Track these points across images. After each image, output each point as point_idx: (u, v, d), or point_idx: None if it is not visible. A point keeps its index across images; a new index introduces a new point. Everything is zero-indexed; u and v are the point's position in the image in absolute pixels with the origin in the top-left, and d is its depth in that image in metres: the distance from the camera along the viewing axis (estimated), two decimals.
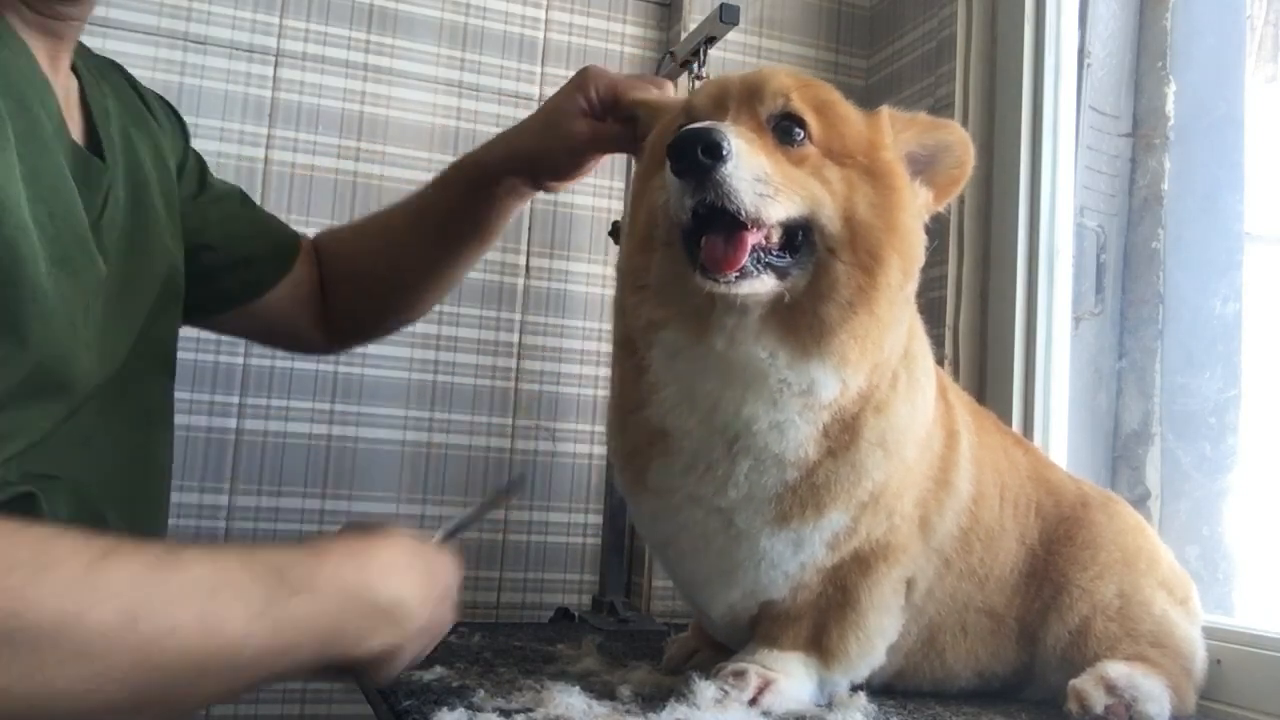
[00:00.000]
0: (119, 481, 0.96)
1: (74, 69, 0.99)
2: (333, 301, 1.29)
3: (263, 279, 1.23)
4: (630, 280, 0.97)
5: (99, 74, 1.04)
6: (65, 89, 0.95)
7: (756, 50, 1.95)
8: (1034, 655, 1.06)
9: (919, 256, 0.94)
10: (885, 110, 0.97)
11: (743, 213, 0.83)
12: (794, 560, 0.94)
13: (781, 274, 0.88)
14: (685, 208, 0.85)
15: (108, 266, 0.92)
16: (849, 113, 0.94)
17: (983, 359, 1.61)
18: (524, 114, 1.91)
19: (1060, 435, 1.52)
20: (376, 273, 1.28)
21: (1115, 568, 1.06)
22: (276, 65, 1.72)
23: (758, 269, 0.86)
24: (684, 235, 0.89)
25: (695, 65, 1.59)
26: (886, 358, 0.92)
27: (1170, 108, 1.56)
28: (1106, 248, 1.59)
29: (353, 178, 1.75)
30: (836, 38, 2.01)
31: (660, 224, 0.92)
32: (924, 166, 0.98)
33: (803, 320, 0.88)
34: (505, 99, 1.85)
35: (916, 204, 0.95)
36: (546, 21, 1.89)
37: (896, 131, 0.96)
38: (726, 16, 1.50)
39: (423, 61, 1.81)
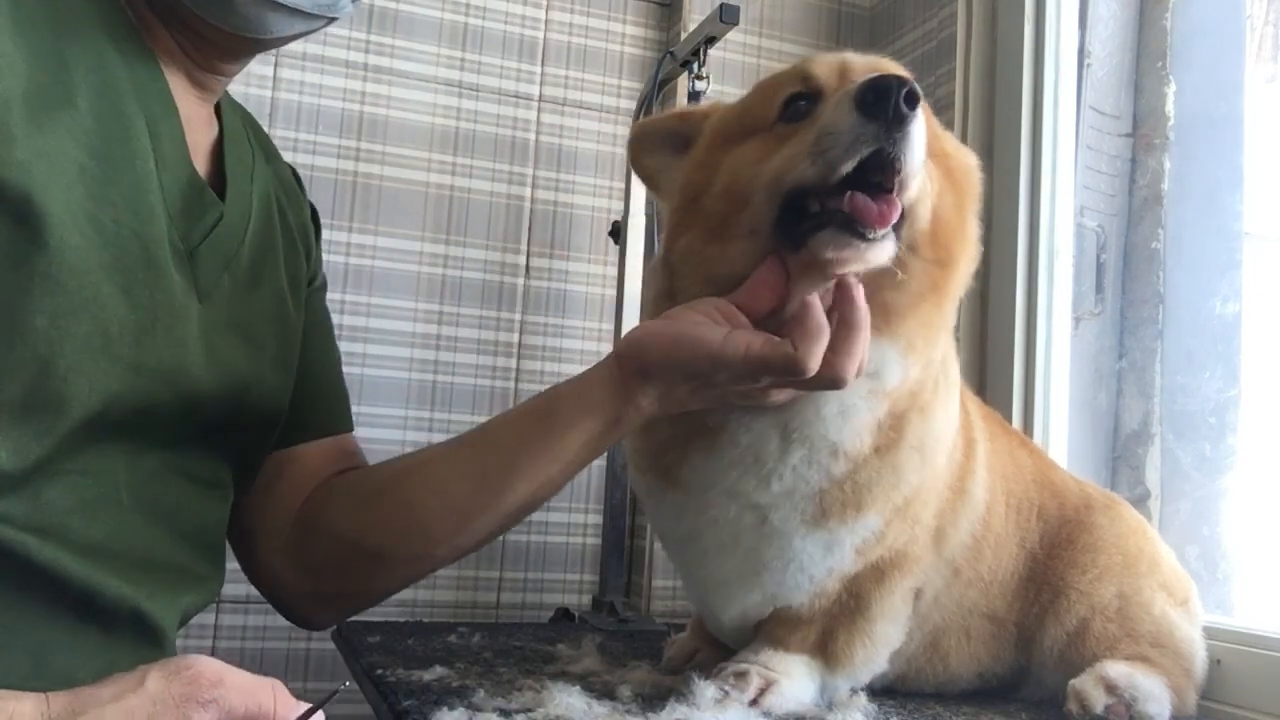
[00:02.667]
0: (130, 546, 0.84)
1: (219, 118, 1.00)
2: (328, 543, 1.02)
3: (317, 423, 1.08)
4: (700, 270, 0.90)
5: (264, 150, 1.05)
6: (199, 126, 0.95)
7: (756, 50, 1.95)
8: (1030, 657, 1.06)
9: (976, 262, 0.94)
10: None
11: (905, 173, 0.81)
12: (823, 564, 0.93)
13: (892, 248, 0.85)
14: (854, 154, 0.80)
15: (203, 303, 0.89)
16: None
17: (983, 359, 1.61)
18: (524, 114, 1.93)
19: (1060, 435, 1.52)
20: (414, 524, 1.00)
21: (1115, 570, 1.06)
22: (276, 65, 1.72)
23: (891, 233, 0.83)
24: (780, 220, 0.84)
25: (695, 65, 1.59)
26: (940, 357, 0.93)
27: (1170, 108, 1.56)
28: (1106, 248, 1.59)
29: (353, 178, 1.76)
30: (836, 38, 2.01)
31: (752, 207, 0.86)
32: None
33: (875, 304, 0.85)
34: (505, 99, 1.85)
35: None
36: (546, 21, 1.89)
37: None
38: (726, 16, 1.50)
39: (423, 61, 1.81)
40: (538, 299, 1.84)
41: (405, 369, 1.76)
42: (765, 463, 0.90)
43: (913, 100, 0.80)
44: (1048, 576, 1.06)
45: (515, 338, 1.83)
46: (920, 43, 1.83)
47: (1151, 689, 0.96)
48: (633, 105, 1.88)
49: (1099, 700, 0.95)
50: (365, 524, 1.00)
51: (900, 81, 0.80)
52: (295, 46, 1.73)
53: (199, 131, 0.95)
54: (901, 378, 0.89)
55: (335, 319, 1.72)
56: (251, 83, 1.70)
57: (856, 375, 0.84)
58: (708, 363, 0.84)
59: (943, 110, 1.71)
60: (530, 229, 1.85)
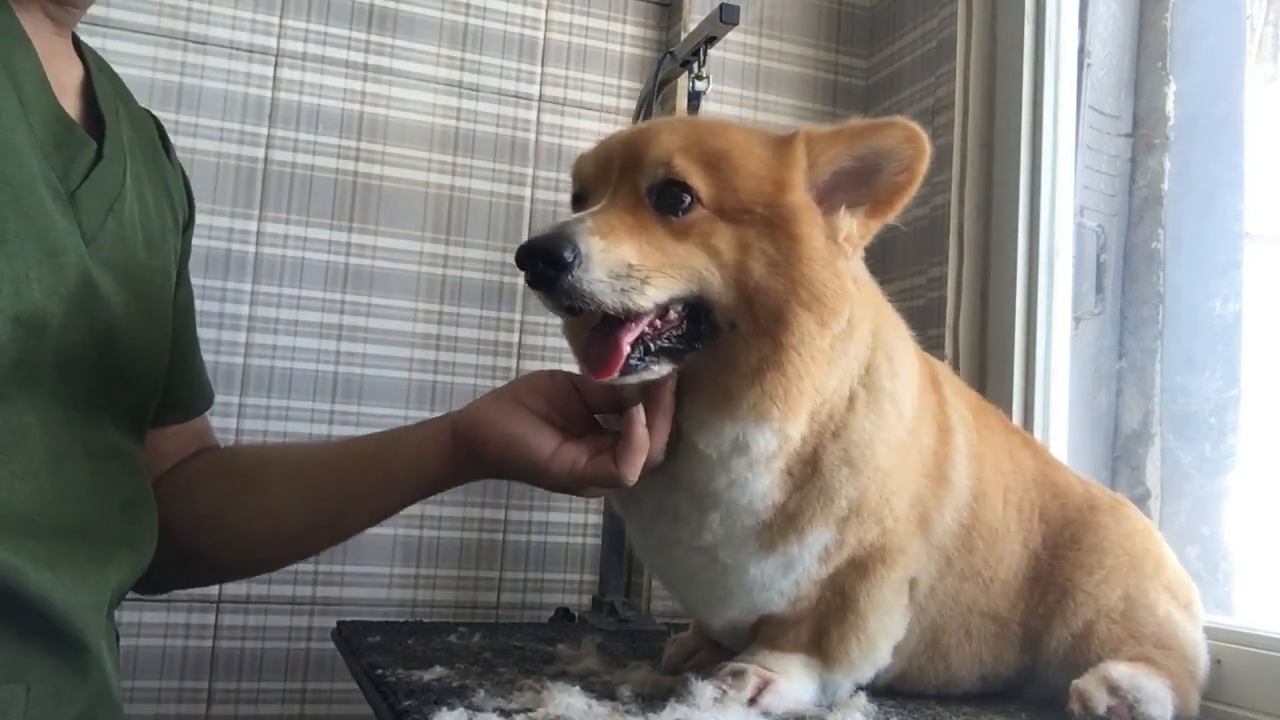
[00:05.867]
0: (57, 518, 0.83)
1: (82, 57, 0.96)
2: (184, 521, 1.02)
3: (176, 408, 1.06)
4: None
5: (121, 95, 1.01)
6: (60, 61, 0.91)
7: (756, 50, 1.95)
8: (1036, 658, 1.06)
9: (842, 297, 0.87)
10: (802, 132, 0.89)
11: (606, 310, 0.81)
12: (787, 579, 0.94)
13: (678, 355, 0.86)
14: (554, 308, 0.84)
15: (89, 246, 0.86)
16: (747, 159, 0.87)
17: (983, 359, 1.61)
18: (524, 114, 1.93)
19: (1060, 435, 1.52)
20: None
21: (1121, 571, 1.05)
22: (276, 65, 1.72)
23: (644, 360, 0.84)
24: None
25: (695, 65, 1.59)
26: (831, 393, 0.90)
27: (1170, 108, 1.56)
28: (1106, 248, 1.59)
29: (353, 178, 1.75)
30: (836, 38, 2.01)
31: None
32: (862, 180, 0.90)
33: (709, 389, 0.88)
34: (505, 99, 1.85)
35: (832, 246, 0.88)
36: (546, 21, 1.89)
37: (817, 154, 0.88)
38: (726, 16, 1.50)
39: (423, 61, 1.81)
40: (538, 299, 1.84)
41: (405, 369, 1.76)
42: (689, 519, 0.92)
43: (555, 261, 0.79)
44: (1054, 577, 1.05)
45: (515, 338, 1.82)
46: (920, 43, 1.83)
47: (1154, 691, 0.96)
48: (633, 105, 1.88)
49: (1101, 701, 0.95)
50: (203, 540, 1.03)
51: (537, 248, 0.80)
52: (295, 46, 1.73)
53: (60, 68, 0.91)
54: (778, 440, 0.87)
55: (335, 319, 1.73)
56: (252, 83, 1.70)
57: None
58: (535, 472, 0.92)
59: (943, 110, 1.71)
60: (530, 229, 1.85)
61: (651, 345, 0.85)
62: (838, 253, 0.89)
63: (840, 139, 0.89)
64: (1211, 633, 1.11)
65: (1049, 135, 1.56)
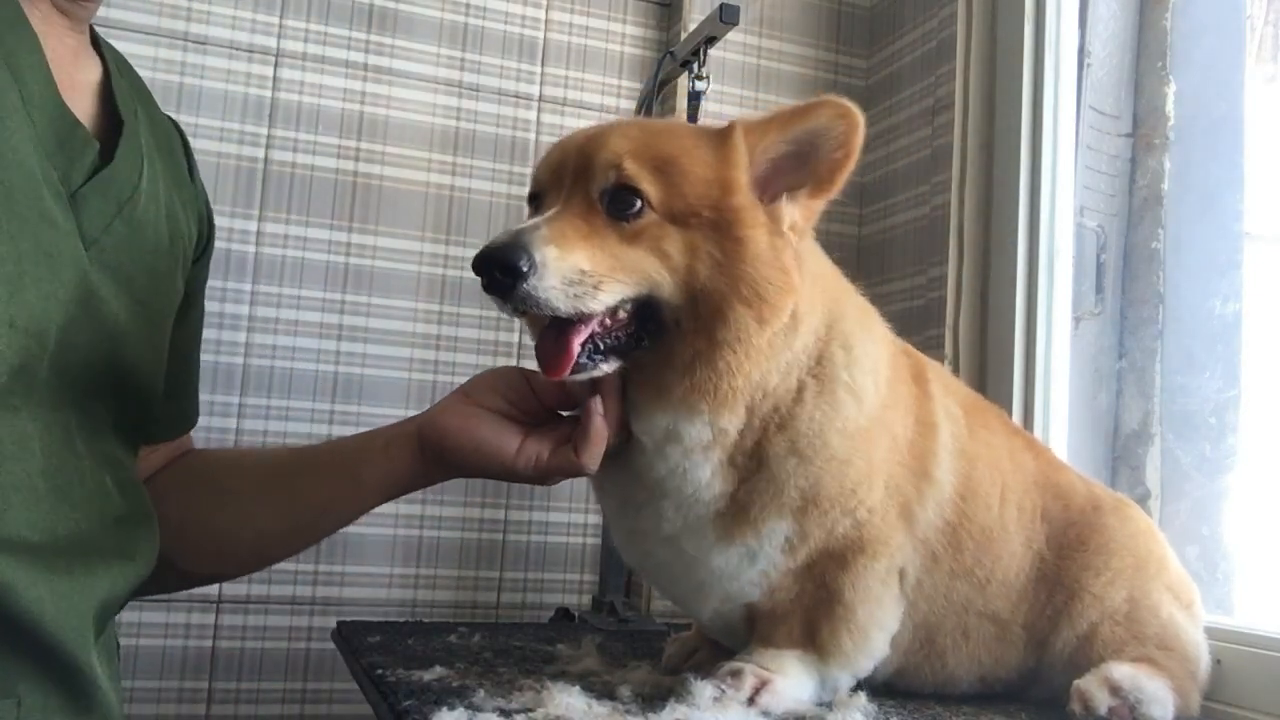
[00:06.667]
0: (52, 532, 0.82)
1: (103, 57, 0.95)
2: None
3: (166, 427, 1.06)
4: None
5: (141, 98, 1.00)
6: (72, 59, 0.91)
7: (756, 50, 1.95)
8: (1041, 660, 1.06)
9: (785, 293, 0.88)
10: (739, 127, 0.90)
11: (560, 315, 0.84)
12: (753, 569, 0.95)
13: (625, 353, 0.89)
14: (509, 312, 0.87)
15: (89, 249, 0.85)
16: (695, 163, 0.88)
17: (983, 359, 1.61)
18: (524, 114, 1.93)
19: (1060, 435, 1.52)
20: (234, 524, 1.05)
21: (1126, 573, 1.05)
22: (276, 65, 1.72)
23: (593, 360, 0.87)
24: None
25: (695, 65, 1.59)
26: (774, 387, 0.91)
27: (1170, 108, 1.56)
28: (1106, 248, 1.59)
29: (353, 178, 1.75)
30: (836, 38, 2.01)
31: None
32: (800, 163, 0.90)
33: (647, 381, 0.90)
34: (505, 99, 1.85)
35: (777, 240, 0.89)
36: (546, 21, 1.89)
37: (753, 144, 0.89)
38: (726, 16, 1.50)
39: (423, 61, 1.81)
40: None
41: (405, 369, 1.76)
42: (647, 510, 0.95)
43: (511, 271, 0.83)
44: (1060, 578, 1.05)
45: (515, 338, 1.83)
46: (920, 43, 1.83)
47: (1155, 691, 0.96)
48: (633, 105, 1.88)
49: (1103, 701, 0.95)
50: (177, 548, 1.01)
51: (494, 257, 0.83)
52: (295, 46, 1.73)
53: (73, 66, 0.90)
54: (711, 432, 0.90)
55: (335, 319, 1.73)
56: (252, 83, 1.70)
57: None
58: (501, 471, 0.95)
59: (943, 110, 1.71)
60: None
61: (601, 344, 0.87)
62: (784, 246, 0.90)
63: (773, 127, 0.90)
64: (1211, 633, 1.11)
65: (1049, 135, 1.56)
